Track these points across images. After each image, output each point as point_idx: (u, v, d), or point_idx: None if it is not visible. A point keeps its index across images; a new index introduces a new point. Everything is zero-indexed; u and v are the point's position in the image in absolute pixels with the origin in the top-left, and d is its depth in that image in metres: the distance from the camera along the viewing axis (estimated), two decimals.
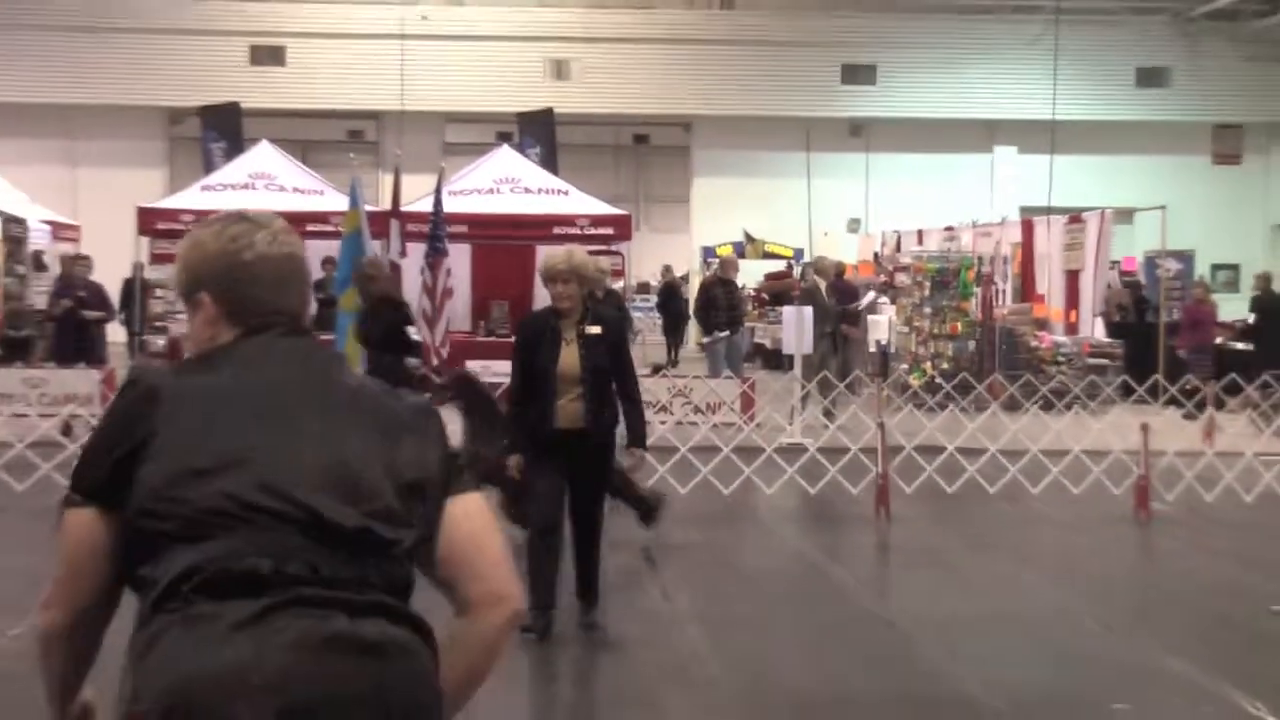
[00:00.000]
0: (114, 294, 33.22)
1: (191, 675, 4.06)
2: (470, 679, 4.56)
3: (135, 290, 34.68)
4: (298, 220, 34.59)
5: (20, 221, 39.07)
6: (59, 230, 41.27)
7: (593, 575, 13.69)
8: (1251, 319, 36.17)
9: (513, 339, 33.79)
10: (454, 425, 17.99)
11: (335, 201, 34.42)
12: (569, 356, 13.27)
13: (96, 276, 32.50)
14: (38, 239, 39.55)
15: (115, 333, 33.33)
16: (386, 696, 4.23)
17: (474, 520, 4.54)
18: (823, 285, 33.73)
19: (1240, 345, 35.64)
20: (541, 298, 35.71)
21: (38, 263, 38.70)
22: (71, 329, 31.15)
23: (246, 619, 4.09)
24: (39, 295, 36.13)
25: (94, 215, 41.58)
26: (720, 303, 36.65)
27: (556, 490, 13.39)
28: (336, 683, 4.14)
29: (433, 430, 4.60)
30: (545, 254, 14.49)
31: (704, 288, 38.64)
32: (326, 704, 4.11)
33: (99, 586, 4.35)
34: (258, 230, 4.62)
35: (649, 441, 14.25)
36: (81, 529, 4.32)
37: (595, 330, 13.38)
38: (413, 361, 20.74)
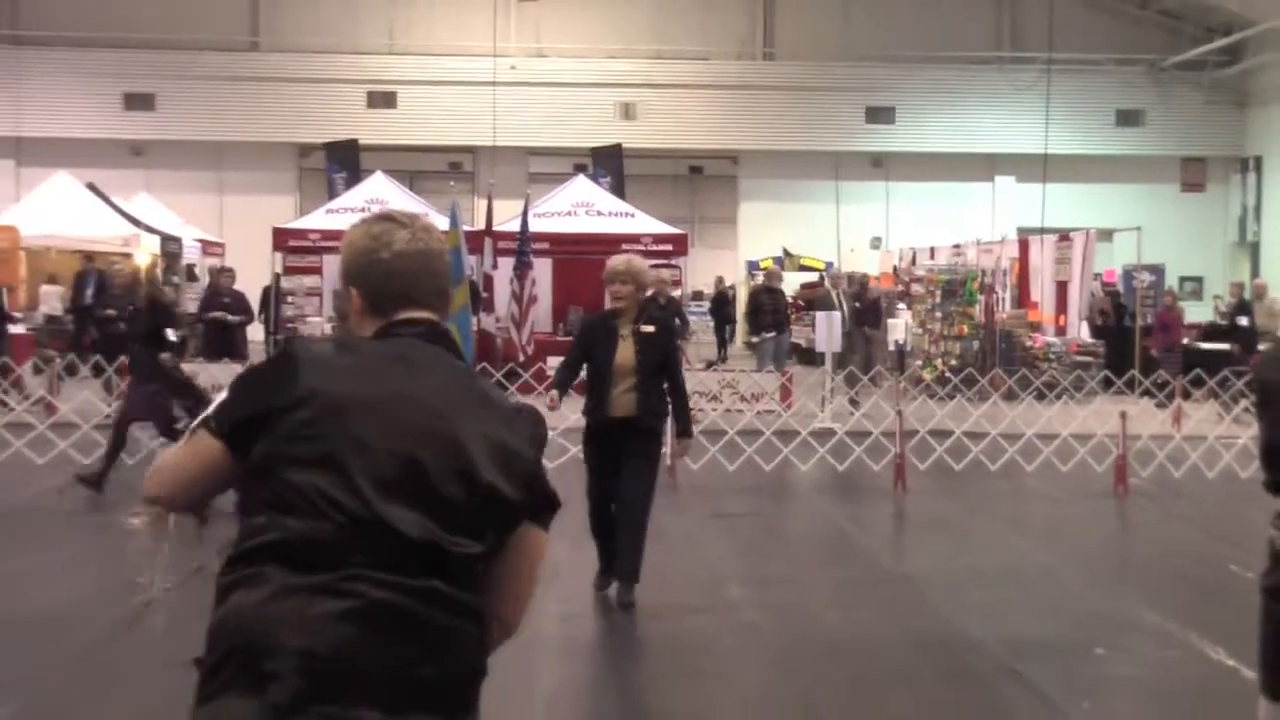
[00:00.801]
0: (254, 300, 32.97)
1: (246, 626, 4.00)
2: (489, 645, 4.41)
3: (272, 297, 34.14)
4: None
5: (176, 240, 39.15)
6: (208, 247, 41.44)
7: (636, 556, 12.95)
8: (1244, 321, 35.29)
9: None
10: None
11: (438, 223, 35.49)
12: (624, 352, 12.88)
13: (239, 286, 32.17)
14: (190, 254, 39.70)
15: (255, 333, 32.89)
16: (410, 672, 4.09)
17: (528, 556, 4.41)
18: (834, 292, 34.00)
19: (1205, 345, 34.75)
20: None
21: (190, 274, 38.95)
22: (218, 331, 30.83)
23: (301, 588, 4.01)
24: (191, 302, 36.03)
25: (237, 234, 41.60)
26: (766, 307, 36.28)
27: (608, 474, 12.97)
28: (375, 658, 4.03)
29: (535, 445, 4.42)
30: (608, 260, 13.67)
31: (752, 295, 37.94)
32: (352, 669, 4.00)
33: (194, 497, 4.38)
34: (399, 229, 4.49)
35: (700, 428, 13.63)
36: (206, 452, 4.23)
37: (649, 329, 12.98)
38: (164, 356, 19.28)
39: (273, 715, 3.92)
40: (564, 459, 18.46)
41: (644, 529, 12.93)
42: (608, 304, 13.18)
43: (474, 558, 4.18)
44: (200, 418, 4.29)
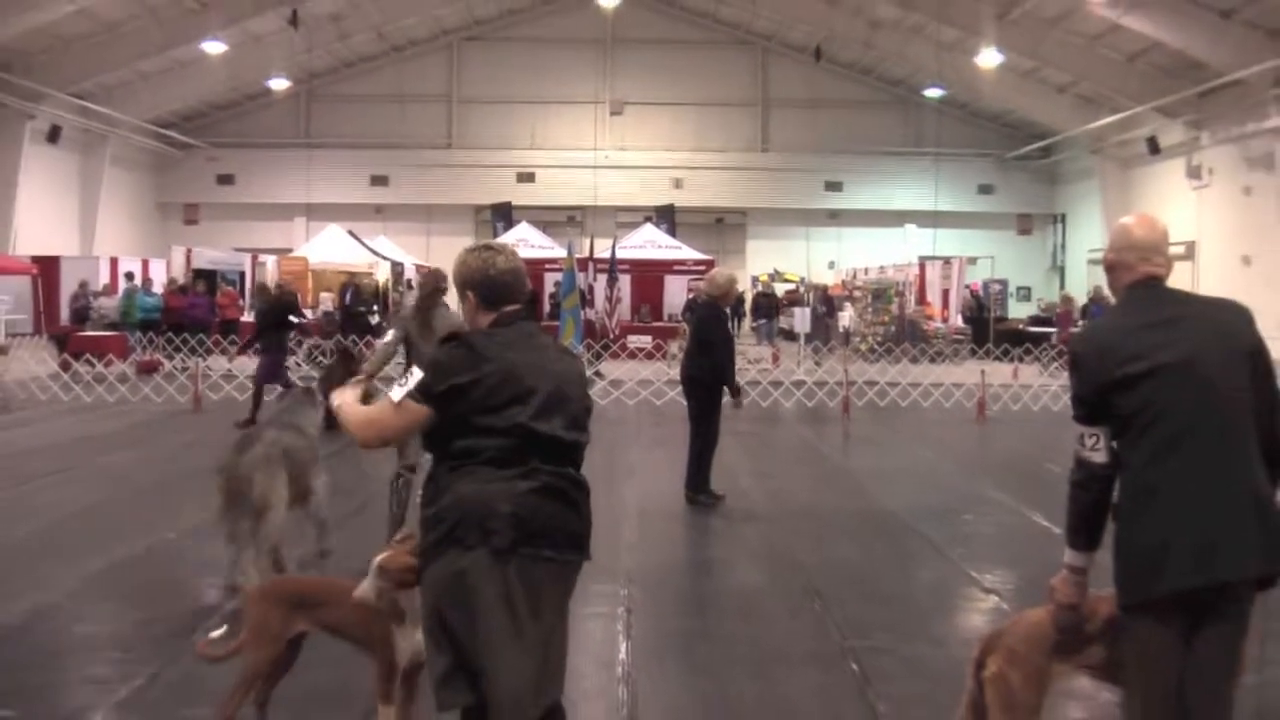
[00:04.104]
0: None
1: (468, 497, 4.09)
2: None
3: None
4: (542, 262, 35.96)
5: (399, 264, 39.47)
6: (419, 268, 40.48)
7: (708, 471, 12.23)
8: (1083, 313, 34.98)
9: (650, 325, 34.65)
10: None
11: (560, 253, 35.38)
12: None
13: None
14: (409, 272, 39.78)
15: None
16: (569, 526, 4.23)
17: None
18: (806, 295, 33.95)
19: (1033, 328, 34.49)
20: (668, 303, 37.01)
21: (409, 284, 38.61)
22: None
23: (505, 477, 4.10)
24: (409, 300, 36.26)
25: (437, 260, 38.13)
26: (763, 304, 37.09)
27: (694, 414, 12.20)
28: (552, 516, 4.17)
29: (585, 378, 4.53)
30: (727, 275, 12.87)
31: (755, 297, 38.86)
32: (540, 524, 4.12)
33: (399, 440, 4.42)
34: (498, 255, 4.43)
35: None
36: (412, 415, 4.18)
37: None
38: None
39: (494, 557, 4.08)
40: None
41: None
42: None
43: (585, 445, 4.36)
44: (404, 392, 4.20)
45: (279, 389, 17.43)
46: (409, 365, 4.65)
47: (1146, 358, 3.94)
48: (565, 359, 4.46)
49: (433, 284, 9.73)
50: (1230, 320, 4.08)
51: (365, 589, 4.52)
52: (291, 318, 19.11)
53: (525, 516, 4.10)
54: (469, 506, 4.10)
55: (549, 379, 4.26)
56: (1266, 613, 4.37)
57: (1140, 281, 4.16)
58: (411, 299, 34.91)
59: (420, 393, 4.20)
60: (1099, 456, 4.07)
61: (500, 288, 4.40)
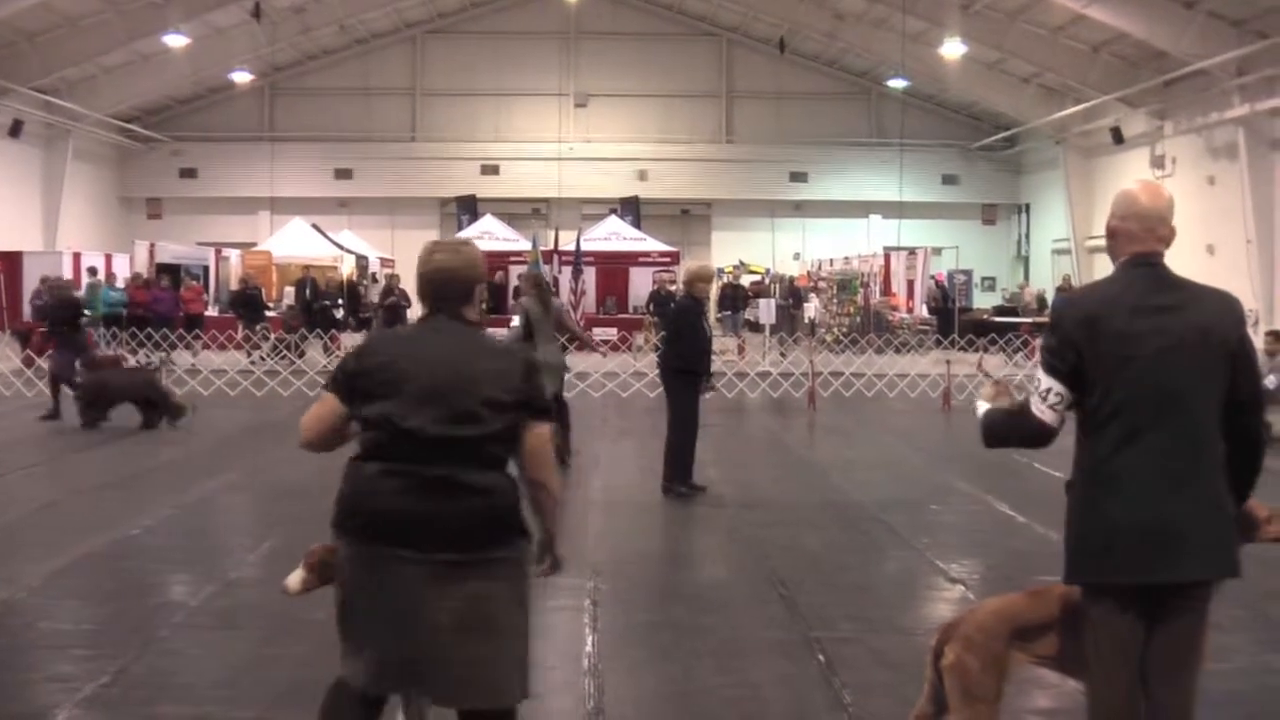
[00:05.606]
0: (411, 293, 32.60)
1: (344, 491, 4.17)
2: (540, 504, 4.31)
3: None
4: (507, 254, 36.12)
5: (365, 258, 39.66)
6: (385, 262, 41.41)
7: (690, 461, 12.28)
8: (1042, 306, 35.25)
9: (615, 318, 34.69)
10: None
11: (524, 245, 35.55)
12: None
13: (403, 285, 32.07)
14: (374, 266, 39.98)
15: (413, 314, 32.43)
16: (453, 525, 4.06)
17: (535, 439, 4.20)
18: (771, 287, 33.91)
19: (997, 318, 34.94)
20: (633, 295, 37.02)
21: (373, 278, 38.94)
22: (392, 311, 30.70)
23: (371, 471, 4.09)
24: (374, 294, 36.22)
25: (402, 254, 40.04)
26: (729, 295, 37.23)
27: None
28: (412, 513, 4.05)
29: (517, 371, 4.23)
30: (696, 265, 13.19)
31: (721, 288, 37.91)
32: (407, 523, 4.02)
33: (329, 432, 4.21)
34: (435, 252, 4.36)
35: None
36: (329, 405, 4.20)
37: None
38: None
39: (360, 549, 4.10)
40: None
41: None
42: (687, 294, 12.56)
43: (480, 439, 4.12)
44: (324, 385, 4.31)
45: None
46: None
47: (1130, 345, 3.91)
48: (481, 355, 4.27)
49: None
50: (1218, 313, 4.03)
51: (292, 579, 4.50)
52: (82, 318, 19.08)
53: (382, 513, 4.07)
54: (344, 501, 4.16)
55: (438, 372, 4.15)
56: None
57: (1141, 258, 4.08)
58: (376, 293, 35.42)
59: (330, 382, 4.28)
60: (1049, 417, 4.04)
61: (425, 284, 4.35)
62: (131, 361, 25.45)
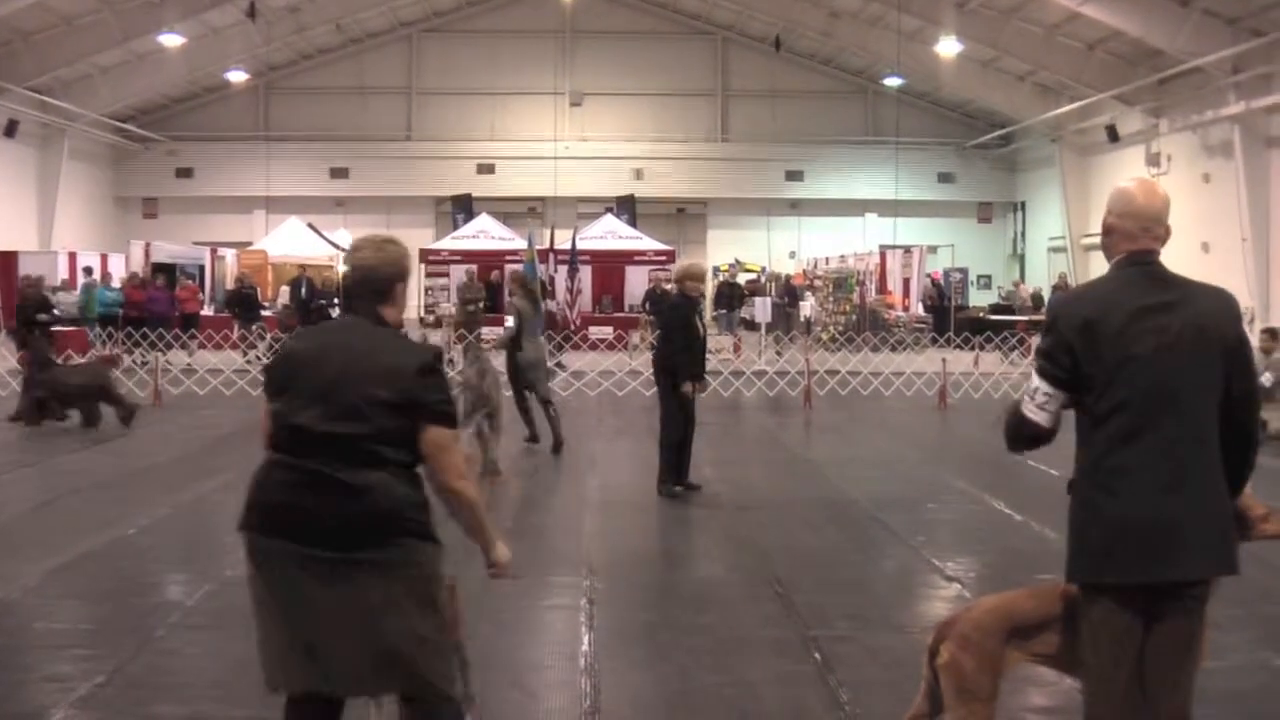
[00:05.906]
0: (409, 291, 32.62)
1: (249, 484, 4.17)
2: (453, 513, 4.21)
3: (419, 290, 34.45)
4: (503, 253, 36.10)
5: None
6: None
7: (688, 460, 12.25)
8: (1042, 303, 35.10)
9: (611, 316, 34.67)
10: None
11: (520, 244, 35.38)
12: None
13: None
14: None
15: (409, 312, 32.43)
16: (331, 523, 3.98)
17: (435, 444, 4.07)
18: (767, 285, 33.81)
19: (993, 316, 34.87)
20: (629, 294, 36.98)
21: None
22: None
23: (265, 464, 4.14)
24: None
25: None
26: (725, 294, 37.13)
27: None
28: (293, 509, 4.02)
29: (410, 370, 4.10)
30: (686, 263, 13.03)
31: (717, 286, 38.36)
32: (288, 518, 4.02)
33: (266, 429, 4.17)
34: (359, 250, 4.31)
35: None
36: (265, 404, 4.19)
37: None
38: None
39: (253, 542, 4.10)
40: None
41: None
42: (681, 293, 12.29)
43: (360, 437, 4.02)
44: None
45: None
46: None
47: (1128, 344, 3.90)
48: (380, 353, 4.15)
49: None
50: (1216, 312, 4.01)
51: None
52: (41, 316, 18.92)
53: (267, 506, 4.09)
54: (247, 493, 4.18)
55: (329, 369, 4.10)
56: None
57: (1137, 257, 4.07)
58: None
59: (265, 390, 4.34)
60: (1040, 418, 4.03)
61: (346, 280, 4.38)
62: (128, 362, 25.42)
